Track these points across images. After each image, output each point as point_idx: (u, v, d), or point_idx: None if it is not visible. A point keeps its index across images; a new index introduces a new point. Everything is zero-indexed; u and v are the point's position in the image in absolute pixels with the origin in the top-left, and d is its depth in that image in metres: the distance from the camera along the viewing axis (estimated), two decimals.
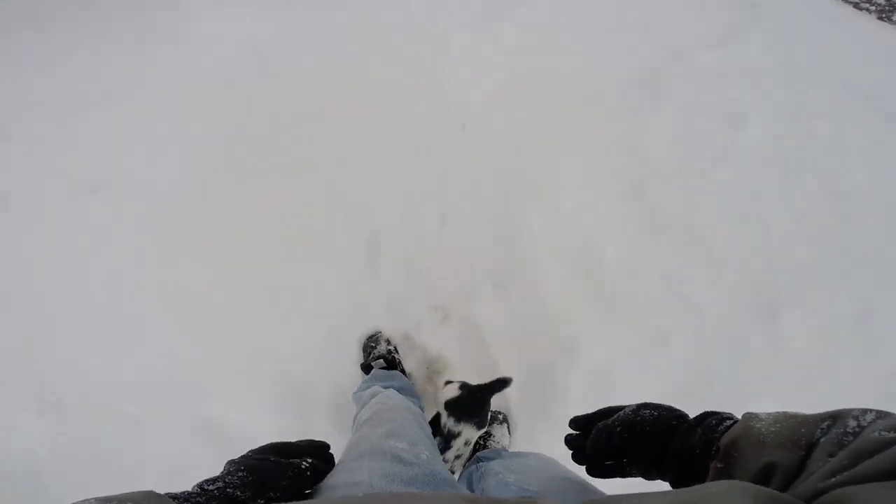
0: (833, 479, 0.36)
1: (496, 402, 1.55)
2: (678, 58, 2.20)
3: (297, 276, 1.79)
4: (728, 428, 0.53)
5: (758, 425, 0.49)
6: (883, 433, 0.37)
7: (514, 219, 1.92)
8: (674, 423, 0.58)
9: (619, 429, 0.61)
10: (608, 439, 0.62)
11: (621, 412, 0.63)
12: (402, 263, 1.89)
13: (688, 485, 0.52)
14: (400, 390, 1.19)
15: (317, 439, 0.69)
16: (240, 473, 0.55)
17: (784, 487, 0.43)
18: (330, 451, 0.70)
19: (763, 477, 0.45)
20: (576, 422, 0.69)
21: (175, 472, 1.37)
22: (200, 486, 0.53)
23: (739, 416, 0.54)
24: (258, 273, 1.77)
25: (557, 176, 1.97)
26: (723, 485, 0.36)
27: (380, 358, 1.59)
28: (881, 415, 0.42)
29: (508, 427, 1.73)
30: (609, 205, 1.90)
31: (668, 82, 2.12)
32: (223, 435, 1.53)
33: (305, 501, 0.47)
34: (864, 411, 0.42)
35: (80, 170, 1.92)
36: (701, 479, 0.53)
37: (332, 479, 0.65)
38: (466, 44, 2.25)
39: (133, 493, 0.43)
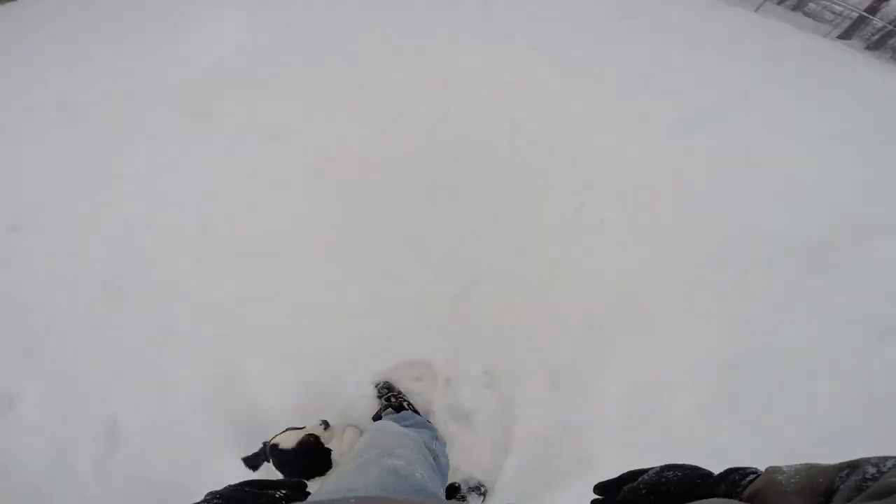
0: None
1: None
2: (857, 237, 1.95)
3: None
4: (751, 482, 0.53)
5: (779, 477, 0.50)
6: None
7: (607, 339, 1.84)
8: (698, 481, 0.59)
9: (644, 491, 0.61)
10: (635, 503, 0.62)
11: (645, 475, 0.63)
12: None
13: None
14: (414, 425, 1.19)
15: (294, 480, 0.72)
16: (215, 500, 0.59)
17: None
18: (307, 488, 0.72)
19: None
20: (600, 488, 0.69)
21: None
22: None
23: (763, 470, 0.55)
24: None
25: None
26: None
27: (388, 408, 1.62)
28: None
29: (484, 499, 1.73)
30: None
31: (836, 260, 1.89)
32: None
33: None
34: (884, 459, 0.43)
35: None
36: None
37: (326, 486, 0.68)
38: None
39: None
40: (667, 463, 0.63)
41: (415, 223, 2.06)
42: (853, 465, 0.45)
